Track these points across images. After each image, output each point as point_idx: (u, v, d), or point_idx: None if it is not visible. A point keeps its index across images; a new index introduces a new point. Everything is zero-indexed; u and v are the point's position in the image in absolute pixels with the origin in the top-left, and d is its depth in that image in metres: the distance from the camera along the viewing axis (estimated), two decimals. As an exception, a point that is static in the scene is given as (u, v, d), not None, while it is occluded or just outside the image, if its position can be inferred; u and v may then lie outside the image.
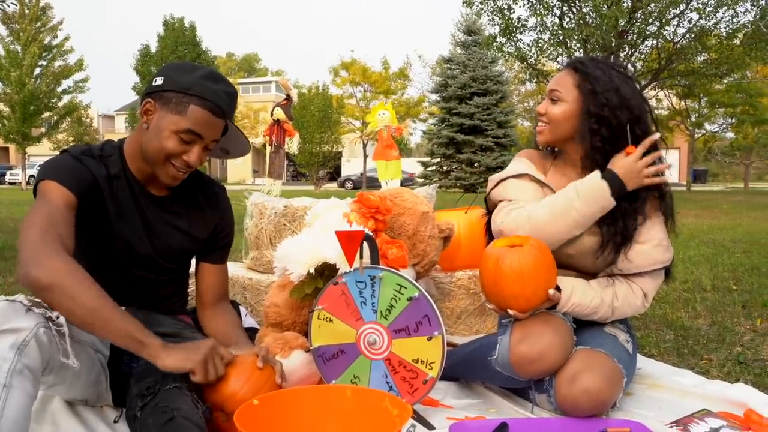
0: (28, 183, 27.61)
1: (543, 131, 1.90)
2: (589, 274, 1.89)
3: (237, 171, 41.78)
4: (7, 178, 36.27)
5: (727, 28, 16.00)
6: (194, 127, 1.54)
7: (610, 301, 1.81)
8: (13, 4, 9.57)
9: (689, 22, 16.16)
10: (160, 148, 1.55)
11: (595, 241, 1.83)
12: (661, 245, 1.83)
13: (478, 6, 16.74)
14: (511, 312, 1.73)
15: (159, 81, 1.57)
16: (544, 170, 1.98)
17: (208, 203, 1.79)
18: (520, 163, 1.99)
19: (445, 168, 21.96)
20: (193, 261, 1.87)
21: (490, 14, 16.77)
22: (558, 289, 1.77)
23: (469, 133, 21.17)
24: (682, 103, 26.73)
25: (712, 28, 16.01)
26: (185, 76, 1.56)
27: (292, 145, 3.28)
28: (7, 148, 43.87)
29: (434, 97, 24.24)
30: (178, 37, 29.67)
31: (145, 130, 1.59)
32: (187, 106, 1.54)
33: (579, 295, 1.78)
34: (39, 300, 1.34)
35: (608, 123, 1.79)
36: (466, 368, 1.97)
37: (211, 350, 1.41)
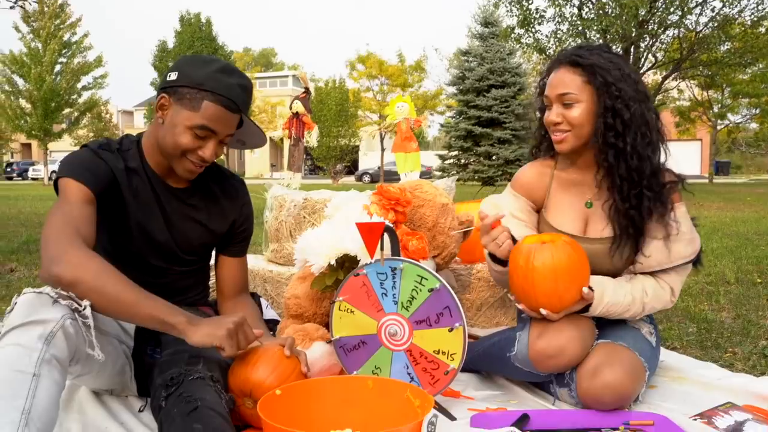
0: (50, 178, 27.98)
1: (565, 139, 1.76)
2: (608, 276, 1.82)
3: (255, 165, 41.98)
4: (30, 173, 36.79)
5: (752, 16, 15.73)
6: (208, 122, 1.55)
7: (641, 297, 1.75)
8: (34, 1, 9.67)
9: (712, 10, 15.90)
10: (175, 143, 1.56)
11: (606, 244, 1.79)
12: (684, 239, 1.76)
13: (495, -3, 16.62)
14: (543, 312, 1.67)
15: (173, 76, 1.57)
16: (544, 184, 1.89)
17: (227, 197, 1.80)
18: (508, 201, 1.92)
19: (462, 161, 21.83)
20: (213, 253, 1.89)
21: (507, 5, 16.65)
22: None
23: (487, 126, 21.01)
24: (705, 93, 26.33)
25: (736, 16, 15.74)
26: (199, 70, 1.56)
27: (311, 138, 3.29)
28: (29, 144, 44.48)
29: (451, 89, 24.09)
30: (195, 32, 29.82)
31: (161, 125, 1.60)
32: (200, 101, 1.54)
33: (611, 294, 1.72)
34: (65, 292, 1.36)
35: (622, 116, 1.69)
36: (485, 362, 1.96)
37: (235, 324, 1.41)
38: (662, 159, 1.77)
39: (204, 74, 1.55)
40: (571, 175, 1.87)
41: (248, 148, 1.83)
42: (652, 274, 1.80)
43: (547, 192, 1.89)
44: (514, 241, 1.75)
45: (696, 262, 1.83)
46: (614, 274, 1.82)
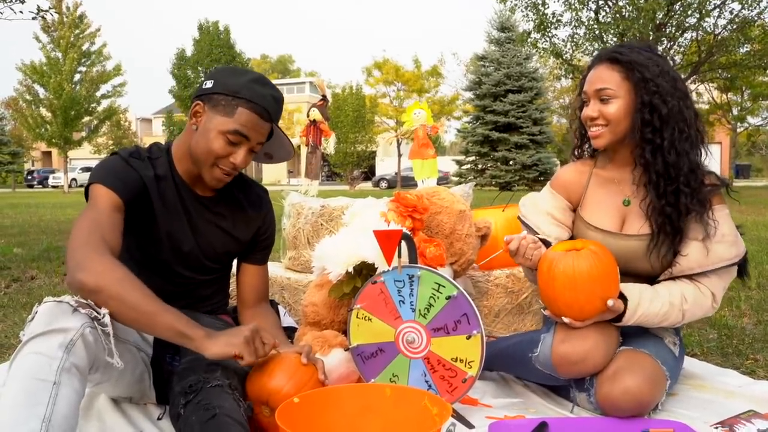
0: (70, 186, 28.34)
1: (601, 134, 1.77)
2: (647, 279, 1.79)
3: (272, 171, 42.17)
4: (50, 181, 37.23)
5: (772, 18, 15.56)
6: (241, 128, 1.58)
7: (679, 304, 1.72)
8: (54, 12, 9.83)
9: (731, 12, 15.75)
10: (207, 149, 1.59)
11: (644, 242, 1.76)
12: (725, 240, 1.72)
13: (511, 2, 16.59)
14: (565, 320, 1.67)
15: (209, 84, 1.62)
16: (582, 182, 1.89)
17: (251, 205, 1.82)
18: (545, 199, 1.92)
19: (479, 166, 21.85)
20: (234, 262, 1.90)
21: (524, 10, 16.61)
22: (624, 298, 1.69)
23: (504, 131, 21.02)
24: (724, 96, 26.08)
25: (756, 18, 15.57)
26: (234, 80, 1.60)
27: (329, 145, 3.30)
28: (49, 153, 45.07)
29: (468, 94, 24.12)
30: (213, 40, 30.07)
31: (194, 132, 1.63)
32: (235, 108, 1.57)
33: (646, 304, 1.69)
34: (85, 300, 1.38)
35: (659, 111, 1.70)
36: (504, 361, 1.94)
37: (251, 332, 1.43)
38: (703, 157, 1.75)
39: (239, 83, 1.59)
40: (609, 173, 1.87)
41: (275, 162, 1.85)
42: (691, 278, 1.76)
43: (584, 190, 1.89)
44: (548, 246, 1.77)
45: (741, 272, 1.80)
46: (652, 276, 1.80)
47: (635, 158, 1.78)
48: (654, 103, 1.70)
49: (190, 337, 1.38)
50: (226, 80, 1.60)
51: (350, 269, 1.85)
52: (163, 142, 1.78)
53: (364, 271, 1.85)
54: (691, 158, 1.72)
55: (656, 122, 1.70)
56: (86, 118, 27.23)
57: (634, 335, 1.79)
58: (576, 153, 1.98)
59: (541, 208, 1.91)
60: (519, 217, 1.96)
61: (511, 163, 20.86)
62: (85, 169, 34.62)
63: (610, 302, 1.64)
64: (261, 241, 1.86)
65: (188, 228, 1.71)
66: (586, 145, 1.94)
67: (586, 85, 1.81)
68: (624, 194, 1.83)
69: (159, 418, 1.67)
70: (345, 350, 1.83)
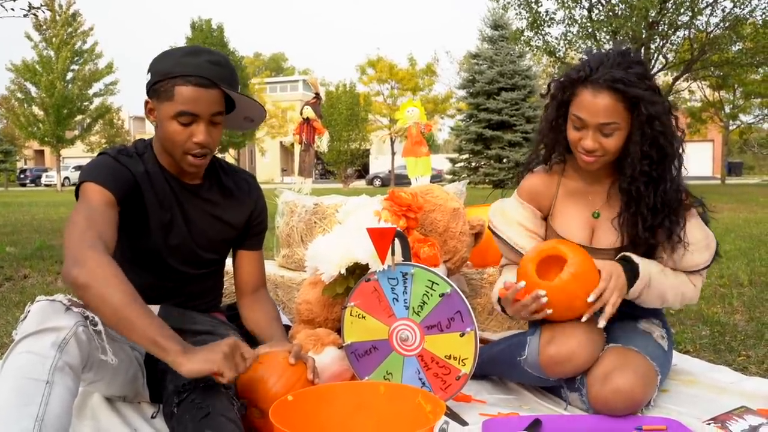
0: (62, 184, 28.22)
1: (596, 162, 1.72)
2: None
3: (266, 169, 42.06)
4: (43, 180, 37.08)
5: (764, 16, 15.61)
6: (185, 107, 1.54)
7: (678, 283, 1.76)
8: (46, 10, 9.76)
9: (723, 10, 15.81)
10: (169, 139, 1.58)
11: (613, 255, 1.77)
12: (698, 248, 1.75)
13: (504, 0, 16.60)
14: (584, 318, 1.65)
15: (148, 77, 1.60)
16: (551, 192, 1.87)
17: (241, 191, 1.82)
18: (515, 209, 1.89)
19: (473, 164, 21.87)
20: (229, 260, 1.90)
21: (517, 8, 16.63)
22: (632, 263, 1.70)
23: (498, 129, 21.03)
24: (716, 94, 26.19)
25: (748, 16, 15.63)
26: (166, 62, 1.57)
27: (322, 143, 3.30)
28: (42, 151, 44.83)
29: (462, 93, 24.13)
30: (206, 38, 29.90)
31: (156, 128, 1.63)
32: (173, 89, 1.54)
33: (657, 276, 1.71)
34: (77, 299, 1.38)
35: (660, 146, 1.67)
36: (495, 367, 1.95)
37: (230, 347, 1.35)
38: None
39: (171, 63, 1.56)
40: (579, 184, 1.86)
41: (256, 125, 1.82)
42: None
43: (554, 200, 1.88)
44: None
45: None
46: None
47: (630, 189, 1.73)
48: (660, 144, 1.67)
49: (165, 349, 1.29)
50: (159, 66, 1.58)
51: (343, 271, 1.85)
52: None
53: (357, 272, 1.85)
54: (681, 188, 1.73)
55: (654, 155, 1.68)
56: (79, 117, 27.11)
57: (622, 332, 1.80)
58: (545, 161, 1.90)
59: (512, 218, 1.88)
60: (490, 228, 1.92)
61: (504, 161, 20.89)
62: (78, 168, 34.43)
63: (591, 297, 1.63)
64: (255, 226, 1.85)
65: (181, 219, 1.71)
66: (555, 156, 1.87)
67: (584, 113, 1.68)
68: (594, 206, 1.83)
69: (153, 417, 1.67)
70: (338, 348, 1.83)
